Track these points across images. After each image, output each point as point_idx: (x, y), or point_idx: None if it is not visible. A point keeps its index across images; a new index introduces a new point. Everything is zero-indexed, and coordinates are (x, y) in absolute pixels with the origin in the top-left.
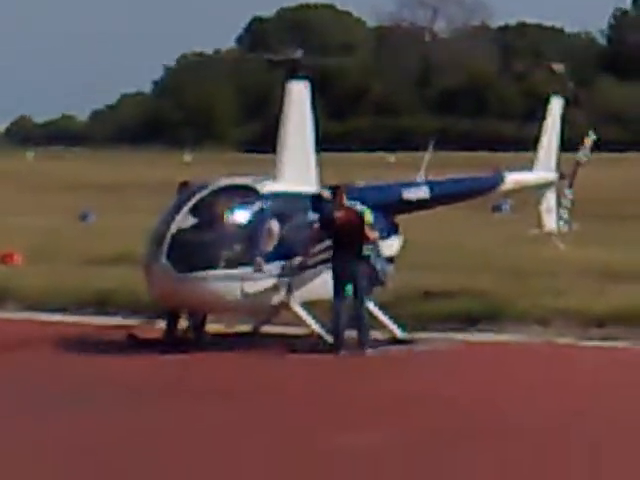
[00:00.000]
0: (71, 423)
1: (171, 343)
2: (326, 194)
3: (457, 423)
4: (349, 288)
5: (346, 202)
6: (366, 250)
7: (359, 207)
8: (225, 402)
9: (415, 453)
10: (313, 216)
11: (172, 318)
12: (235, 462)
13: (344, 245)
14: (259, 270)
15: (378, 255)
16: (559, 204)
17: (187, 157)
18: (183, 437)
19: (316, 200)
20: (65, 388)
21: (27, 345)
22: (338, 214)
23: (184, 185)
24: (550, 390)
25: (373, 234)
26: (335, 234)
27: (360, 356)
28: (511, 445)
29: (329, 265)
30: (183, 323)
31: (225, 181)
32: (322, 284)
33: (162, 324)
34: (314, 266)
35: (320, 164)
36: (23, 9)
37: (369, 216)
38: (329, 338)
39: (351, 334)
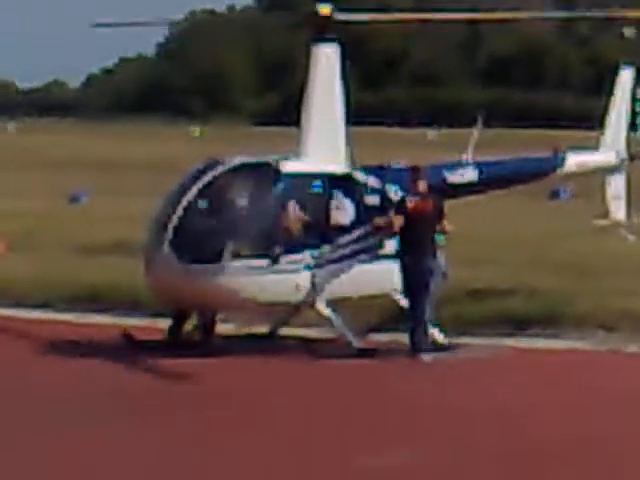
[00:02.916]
0: (57, 444)
1: (175, 346)
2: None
3: (506, 443)
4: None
5: (423, 187)
6: (440, 242)
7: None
8: (242, 419)
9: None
10: (342, 199)
11: (178, 317)
12: None
13: (417, 238)
14: (278, 262)
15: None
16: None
17: (195, 130)
18: (197, 463)
19: (347, 181)
20: (50, 399)
21: (8, 347)
22: (411, 204)
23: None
24: (615, 408)
25: (450, 226)
26: (406, 225)
27: (392, 363)
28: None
29: (361, 258)
30: (189, 323)
31: (241, 158)
32: (351, 280)
33: (165, 323)
34: (343, 258)
35: (351, 140)
36: None
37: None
38: (356, 341)
39: (375, 336)
